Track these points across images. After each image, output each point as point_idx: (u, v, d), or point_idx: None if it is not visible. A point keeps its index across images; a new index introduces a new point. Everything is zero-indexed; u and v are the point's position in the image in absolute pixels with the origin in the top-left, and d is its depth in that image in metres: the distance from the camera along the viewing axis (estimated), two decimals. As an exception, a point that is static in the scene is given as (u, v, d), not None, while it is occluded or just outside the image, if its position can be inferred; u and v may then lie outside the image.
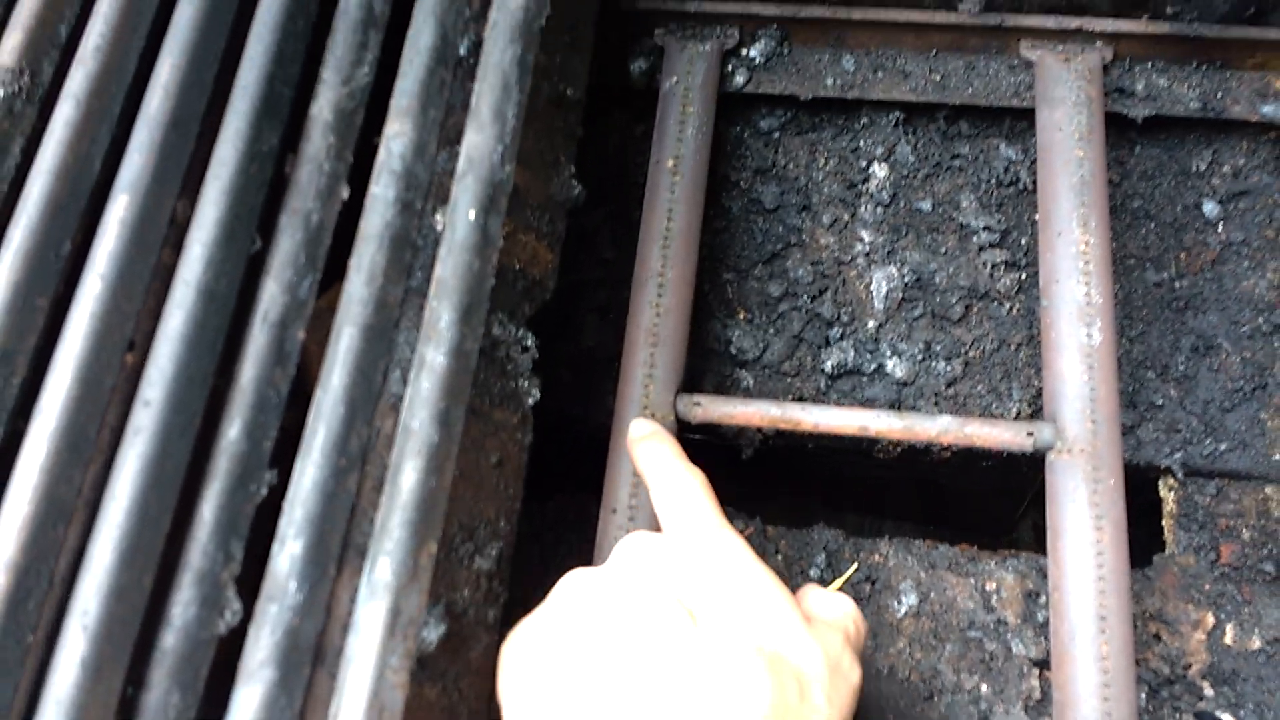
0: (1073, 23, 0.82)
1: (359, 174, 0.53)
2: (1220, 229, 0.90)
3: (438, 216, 0.53)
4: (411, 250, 0.51)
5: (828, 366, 0.90)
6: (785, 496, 1.12)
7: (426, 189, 0.52)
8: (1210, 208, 0.89)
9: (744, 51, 0.89)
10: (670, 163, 0.81)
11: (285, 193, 0.51)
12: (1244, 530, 0.88)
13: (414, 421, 0.45)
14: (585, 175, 0.94)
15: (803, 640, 0.50)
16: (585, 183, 0.94)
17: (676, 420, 0.74)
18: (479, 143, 0.52)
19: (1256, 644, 0.80)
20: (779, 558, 0.85)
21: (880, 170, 0.93)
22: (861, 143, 0.93)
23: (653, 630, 0.48)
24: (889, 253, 0.92)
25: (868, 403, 0.89)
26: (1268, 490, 0.88)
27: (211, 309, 0.47)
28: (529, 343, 0.65)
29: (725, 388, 0.90)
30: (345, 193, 0.53)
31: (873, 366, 0.90)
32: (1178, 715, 0.77)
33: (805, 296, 0.92)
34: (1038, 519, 1.26)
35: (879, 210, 0.93)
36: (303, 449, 0.45)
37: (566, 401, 0.88)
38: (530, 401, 0.65)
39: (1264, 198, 0.89)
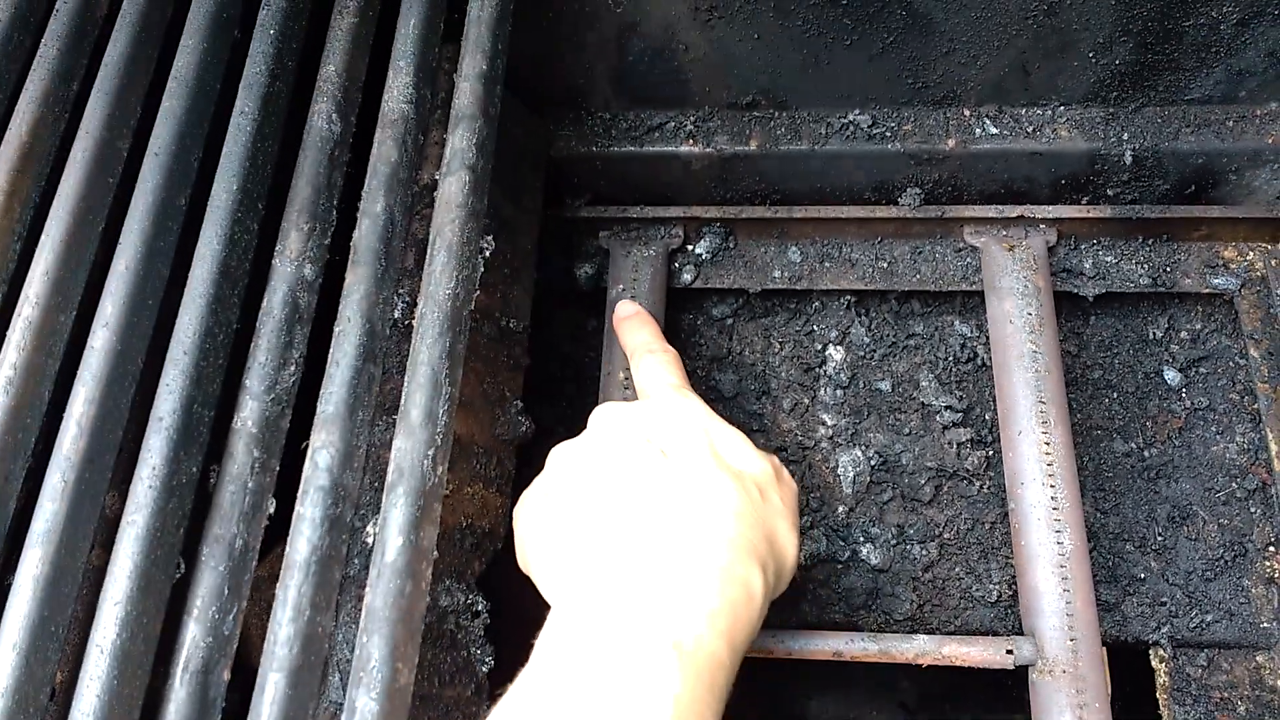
0: (1013, 211, 0.82)
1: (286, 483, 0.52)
2: (1184, 395, 0.89)
3: (369, 529, 0.51)
4: (342, 570, 0.49)
5: (801, 557, 0.88)
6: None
7: (356, 500, 0.51)
8: (1171, 375, 0.89)
9: (690, 249, 0.89)
10: (621, 376, 0.80)
11: (207, 516, 0.49)
12: (1239, 702, 0.85)
13: (343, 784, 0.42)
14: (538, 373, 0.93)
15: (757, 458, 0.61)
16: (539, 380, 0.93)
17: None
18: (408, 449, 0.50)
19: (1264, 832, 0.76)
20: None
21: (836, 352, 0.92)
22: (815, 326, 0.93)
23: (633, 466, 0.57)
24: (853, 435, 0.91)
25: (845, 591, 0.87)
26: (1259, 658, 0.85)
27: (128, 665, 0.45)
28: (480, 607, 0.63)
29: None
30: (271, 507, 0.51)
31: (847, 554, 0.88)
32: None
33: (773, 485, 0.90)
34: None
35: (839, 392, 0.92)
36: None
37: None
38: (484, 670, 0.63)
39: (1224, 361, 0.89)
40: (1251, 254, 0.86)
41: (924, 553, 0.88)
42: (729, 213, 0.86)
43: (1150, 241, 0.86)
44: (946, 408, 0.90)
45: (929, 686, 1.20)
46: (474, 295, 0.56)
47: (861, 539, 0.89)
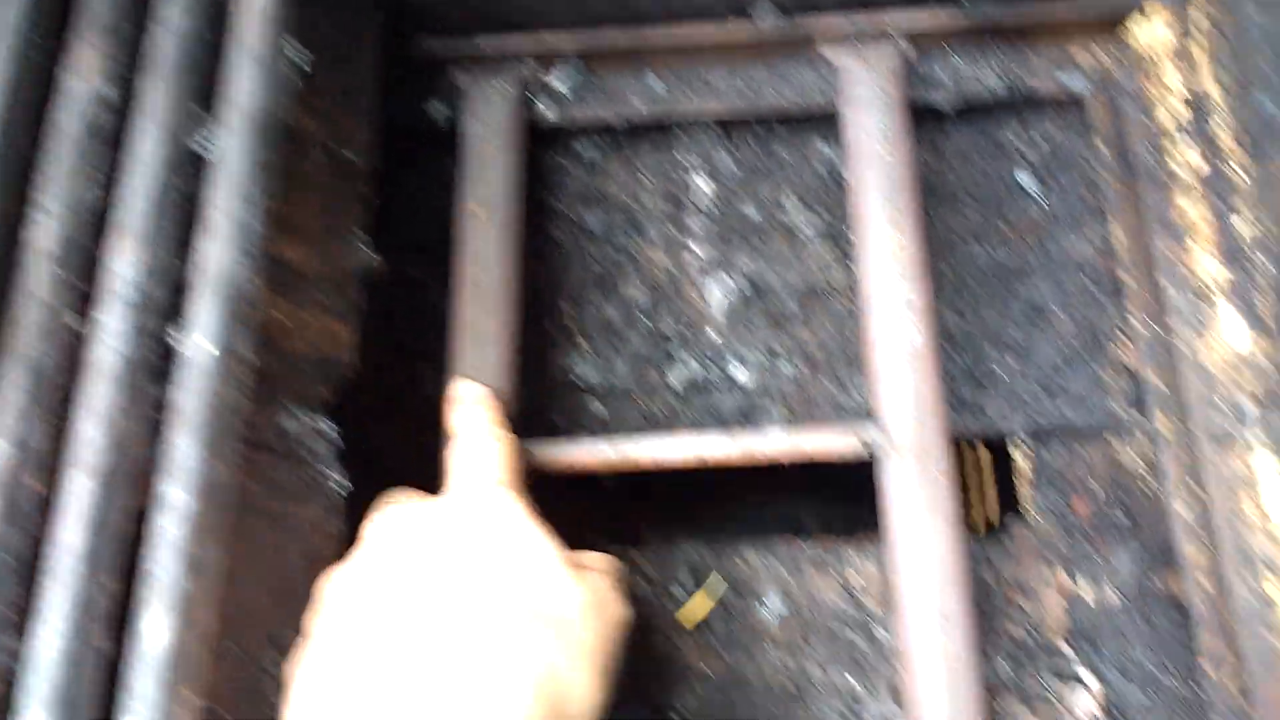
0: (865, 19, 0.81)
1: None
2: (1039, 199, 0.91)
3: (182, 338, 0.51)
4: (154, 380, 0.49)
5: (676, 384, 0.90)
6: (666, 512, 1.13)
7: (164, 310, 0.50)
8: (1027, 180, 0.90)
9: (548, 83, 0.87)
10: (478, 209, 0.79)
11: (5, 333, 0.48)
12: (1095, 485, 0.90)
13: (160, 570, 0.43)
14: (404, 226, 0.92)
15: (567, 587, 0.53)
16: (405, 234, 0.92)
17: (511, 474, 0.73)
18: (218, 256, 0.50)
19: (1113, 598, 0.82)
20: (643, 581, 0.84)
21: (702, 182, 0.92)
22: (681, 157, 0.93)
23: (410, 609, 0.49)
24: (721, 263, 0.92)
25: (720, 414, 0.89)
26: (1113, 442, 0.90)
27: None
28: (328, 429, 0.63)
29: (576, 419, 0.89)
30: (77, 325, 0.50)
31: (720, 377, 0.90)
32: (1040, 680, 0.79)
33: (644, 316, 0.91)
34: None
35: (706, 222, 0.92)
36: (40, 614, 0.43)
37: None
38: (339, 490, 0.64)
39: (1077, 162, 0.91)
40: (1101, 54, 0.86)
41: (794, 370, 0.90)
42: (582, 40, 0.84)
43: (1002, 45, 0.86)
44: (811, 226, 0.91)
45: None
46: (282, 103, 0.54)
47: (734, 362, 0.91)
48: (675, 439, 0.74)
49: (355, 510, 0.71)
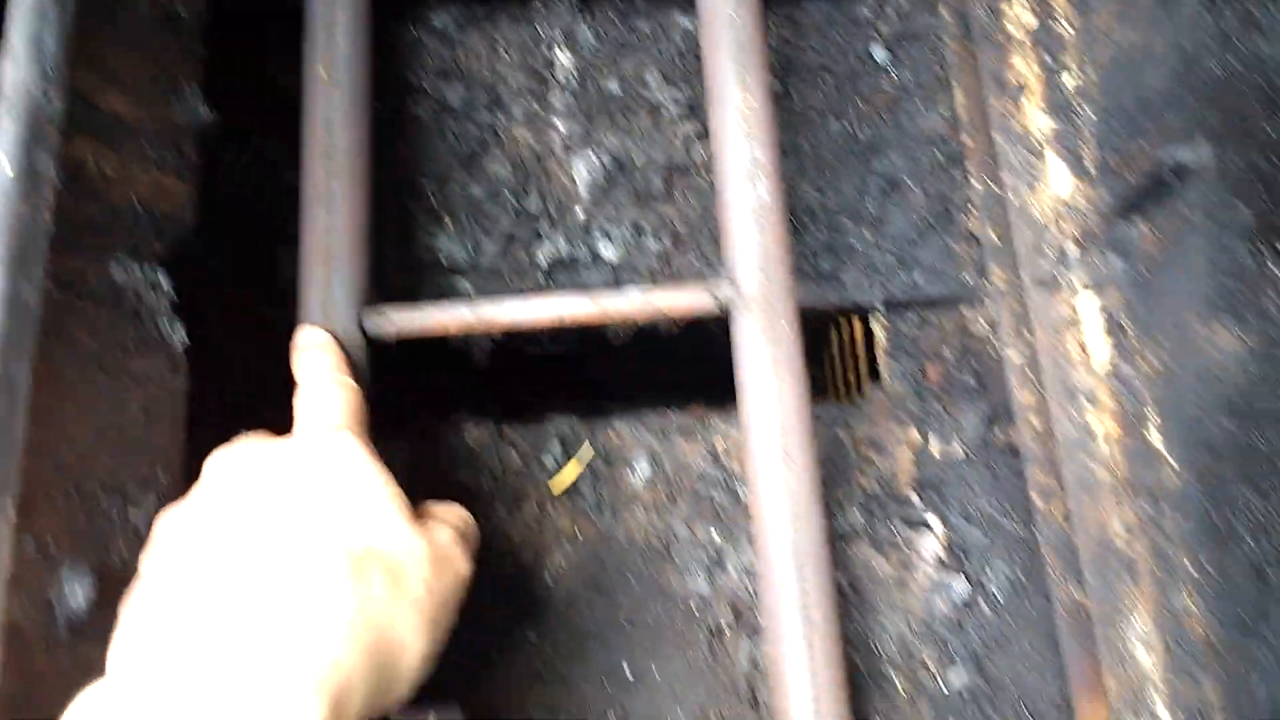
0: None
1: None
2: (892, 72, 0.93)
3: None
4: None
5: (542, 261, 0.90)
6: (539, 396, 1.13)
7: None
8: (880, 53, 0.92)
9: (396, -54, 0.85)
10: (322, 72, 0.77)
11: None
12: (947, 351, 0.94)
13: (-42, 383, 0.42)
14: (251, 97, 0.89)
15: (402, 535, 0.53)
16: (254, 105, 0.89)
17: (367, 339, 0.73)
18: (14, 76, 0.48)
19: (959, 452, 0.86)
20: (514, 452, 0.85)
21: (563, 56, 0.92)
22: (540, 30, 0.92)
23: (239, 549, 0.49)
24: (586, 138, 0.92)
25: (587, 288, 0.90)
26: (964, 311, 0.94)
27: None
28: (163, 282, 0.62)
29: (444, 299, 0.89)
30: None
31: (586, 254, 0.91)
32: (890, 527, 0.84)
33: (509, 194, 0.91)
34: (816, 373, 1.33)
35: (569, 97, 0.92)
36: None
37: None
38: (178, 343, 0.62)
39: (929, 38, 0.93)
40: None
41: (659, 245, 0.91)
42: (427, -100, 0.82)
43: (850, -88, 0.87)
44: (674, 102, 0.91)
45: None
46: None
47: (600, 238, 0.91)
48: (533, 300, 0.75)
49: (214, 396, 0.71)
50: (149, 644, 0.45)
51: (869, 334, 0.98)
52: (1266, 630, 0.55)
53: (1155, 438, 0.64)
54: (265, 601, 0.47)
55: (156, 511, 0.58)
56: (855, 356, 1.11)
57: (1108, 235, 0.69)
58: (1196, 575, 0.62)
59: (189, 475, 0.63)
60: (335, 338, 0.71)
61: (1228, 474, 0.56)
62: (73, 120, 0.55)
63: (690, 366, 1.10)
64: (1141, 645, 0.65)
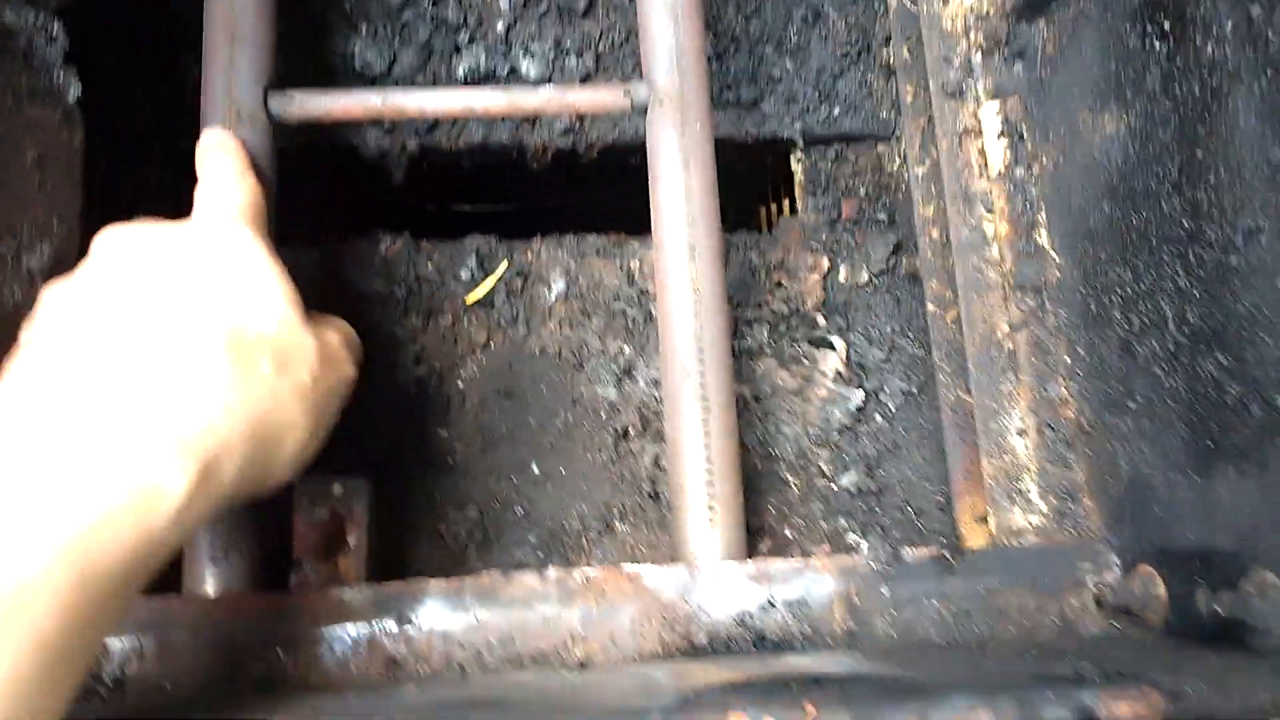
0: None
1: None
2: (819, -105, 0.92)
3: None
4: None
5: (460, 74, 0.88)
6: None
7: None
8: (808, -126, 0.91)
9: None
10: None
11: None
12: (861, 187, 0.96)
13: None
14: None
15: (293, 327, 0.53)
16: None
17: (271, 121, 0.71)
18: None
19: (865, 278, 0.89)
20: (430, 266, 0.85)
21: None
22: None
23: (122, 323, 0.48)
24: (508, -53, 0.89)
25: (500, 86, 0.89)
26: (879, 148, 0.96)
27: None
28: (55, 30, 0.59)
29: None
30: None
31: (506, 69, 0.89)
32: (795, 345, 0.86)
33: (428, 2, 0.89)
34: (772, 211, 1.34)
35: (493, -100, 0.89)
36: None
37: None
38: (72, 95, 0.60)
39: None
40: None
41: (581, 65, 0.90)
42: None
43: None
44: (598, -88, 0.89)
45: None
46: None
47: (521, 54, 0.90)
48: (444, 91, 0.74)
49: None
50: (20, 407, 0.45)
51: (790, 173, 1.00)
52: (1131, 404, 0.59)
53: (1043, 235, 0.68)
54: (143, 370, 0.47)
55: (51, 256, 0.57)
56: (779, 190, 1.13)
57: (1012, 40, 0.70)
58: (1071, 362, 0.66)
59: (87, 232, 0.62)
60: (240, 115, 0.69)
61: (1104, 257, 0.59)
62: None
63: (612, 201, 1.10)
64: (1017, 435, 0.69)
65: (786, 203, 1.13)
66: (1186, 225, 0.50)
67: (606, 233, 0.90)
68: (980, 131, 0.73)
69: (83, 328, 0.48)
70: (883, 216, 0.93)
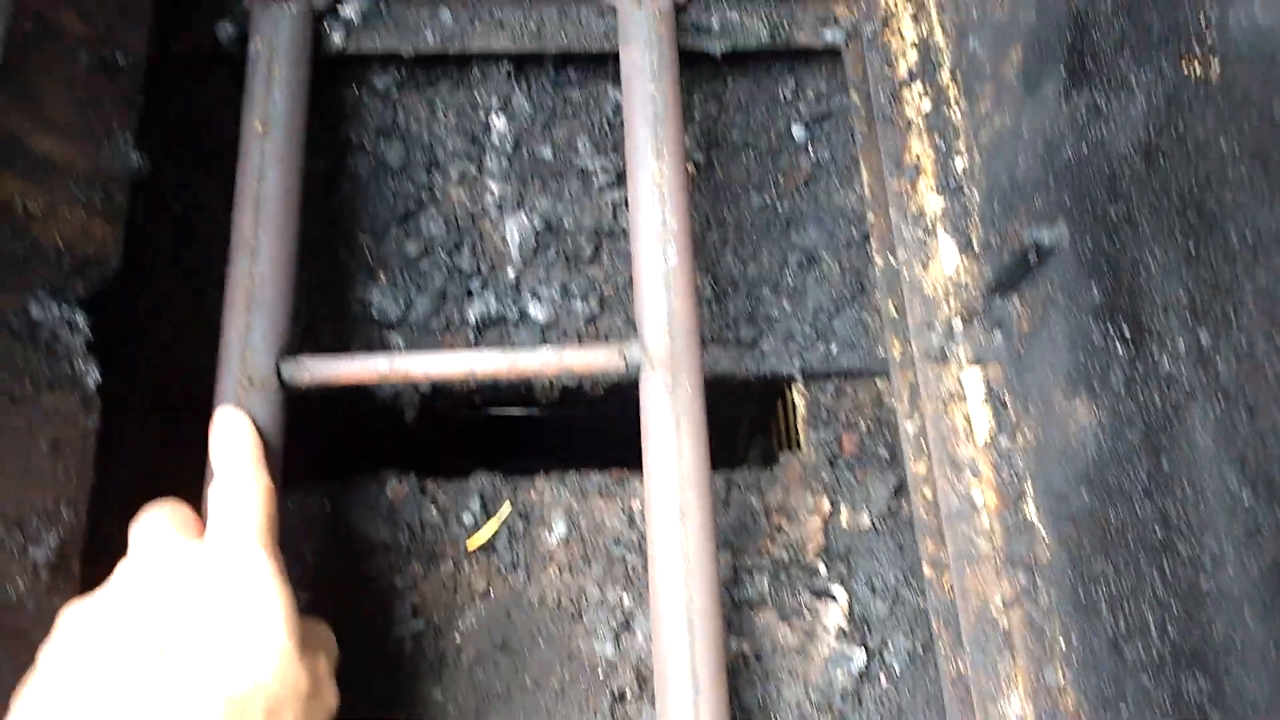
0: (642, -34, 0.86)
1: None
2: (810, 149, 0.97)
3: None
4: None
5: (473, 319, 0.92)
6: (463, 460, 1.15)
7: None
8: (799, 131, 0.97)
9: (340, 11, 0.89)
10: (258, 125, 0.80)
11: None
12: (862, 422, 0.97)
13: None
14: (188, 145, 0.92)
15: (287, 661, 0.56)
16: (191, 152, 0.92)
17: (283, 386, 0.74)
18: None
19: (866, 522, 0.88)
20: (434, 510, 0.86)
21: (500, 122, 0.96)
22: (478, 95, 0.96)
23: (121, 680, 0.51)
24: (519, 201, 0.95)
25: (501, 347, 0.93)
26: (879, 384, 0.97)
27: None
28: (80, 321, 0.63)
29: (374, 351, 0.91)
30: None
31: (516, 313, 0.93)
32: (796, 595, 0.85)
33: (443, 252, 0.94)
34: (764, 443, 1.35)
35: (504, 161, 0.95)
36: None
37: (193, 376, 0.87)
38: (91, 382, 0.64)
39: (844, 118, 0.98)
40: (854, 8, 0.93)
41: (586, 307, 0.94)
42: (373, -31, 0.86)
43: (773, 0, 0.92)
44: (603, 170, 0.95)
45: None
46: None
47: (530, 298, 0.94)
48: (448, 354, 0.77)
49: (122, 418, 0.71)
50: None
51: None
52: (1124, 708, 0.57)
53: (1030, 509, 0.67)
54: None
55: (57, 548, 0.59)
56: (788, 423, 1.14)
57: (989, 311, 0.72)
58: (1065, 648, 0.64)
59: (95, 512, 0.64)
60: (251, 383, 0.72)
61: (1087, 546, 0.59)
62: (2, 159, 0.58)
63: (622, 431, 1.12)
64: None
65: (788, 420, 1.14)
66: (1159, 534, 0.50)
67: (607, 458, 0.92)
68: (964, 396, 0.74)
69: (94, 672, 0.51)
70: (884, 452, 0.93)
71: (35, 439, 0.59)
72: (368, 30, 0.90)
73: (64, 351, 0.63)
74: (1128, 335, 0.53)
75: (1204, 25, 0.45)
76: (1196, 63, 0.45)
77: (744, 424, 1.35)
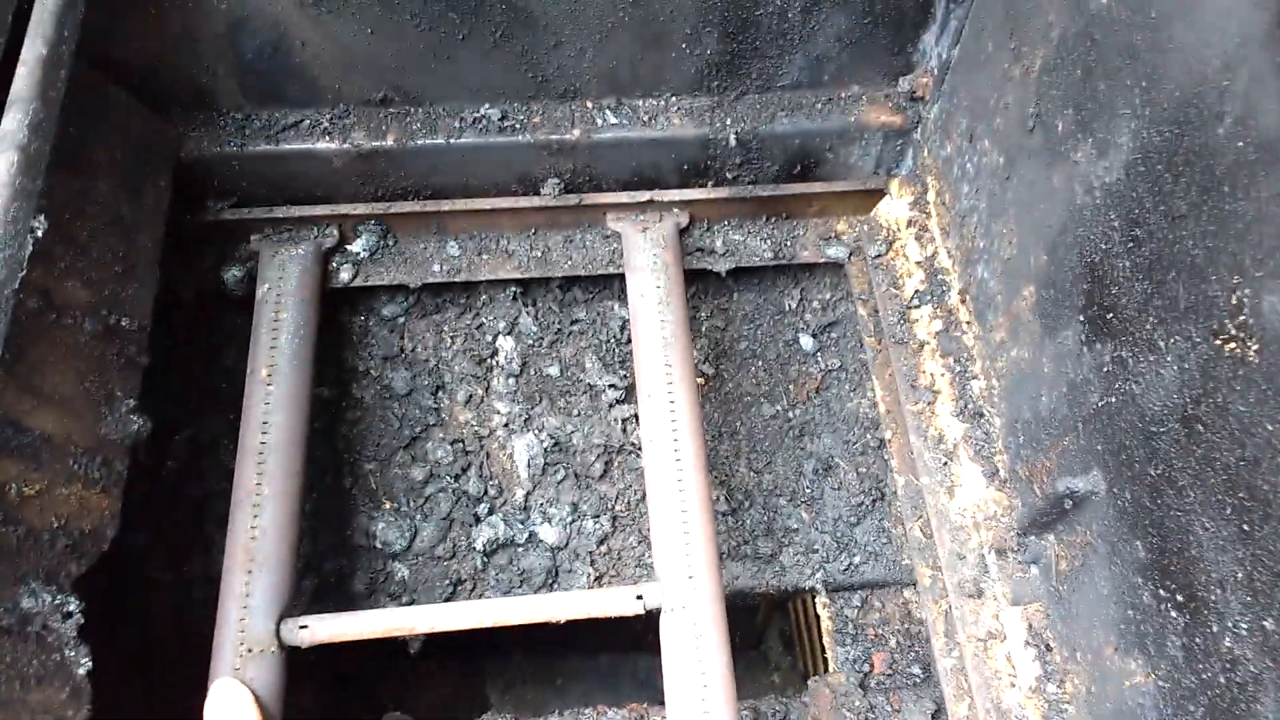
0: (644, 195, 0.88)
1: None
2: (819, 358, 0.97)
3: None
4: None
5: (480, 544, 0.89)
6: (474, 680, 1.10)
7: None
8: (807, 341, 0.97)
9: (348, 248, 0.90)
10: (264, 373, 0.79)
11: None
12: (891, 637, 0.92)
13: None
14: (199, 384, 0.91)
15: None
16: (200, 392, 0.91)
17: (283, 649, 0.70)
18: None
19: (903, 751, 0.83)
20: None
21: (506, 343, 0.95)
22: (485, 318, 0.96)
23: None
24: (526, 421, 0.94)
25: (525, 572, 0.89)
26: (905, 594, 0.94)
27: None
28: (72, 607, 0.60)
29: (377, 584, 0.87)
30: None
31: (525, 536, 0.90)
32: (835, 845, 0.79)
33: (450, 476, 0.92)
34: (783, 625, 1.30)
35: (511, 381, 0.95)
36: None
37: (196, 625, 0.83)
38: (82, 671, 0.60)
39: (850, 324, 0.98)
40: (856, 225, 0.95)
41: (598, 526, 0.91)
42: (379, 209, 0.87)
43: (772, 219, 0.94)
44: (610, 386, 0.94)
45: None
46: (19, 274, 0.54)
47: (539, 520, 0.91)
48: (453, 607, 0.73)
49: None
50: None
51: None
52: None
53: (1089, 769, 0.63)
54: None
55: None
56: (811, 639, 1.09)
57: (1024, 549, 0.70)
58: None
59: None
60: (251, 651, 0.69)
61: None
62: (-2, 444, 0.56)
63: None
64: None
65: (808, 627, 1.10)
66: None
67: (625, 694, 0.87)
68: (1005, 636, 0.70)
69: None
70: (917, 670, 0.88)
71: (21, 742, 0.55)
72: (375, 265, 0.90)
73: (55, 642, 0.60)
74: (1181, 601, 0.50)
75: (1236, 305, 0.44)
76: (1232, 343, 0.44)
77: (762, 605, 1.31)
